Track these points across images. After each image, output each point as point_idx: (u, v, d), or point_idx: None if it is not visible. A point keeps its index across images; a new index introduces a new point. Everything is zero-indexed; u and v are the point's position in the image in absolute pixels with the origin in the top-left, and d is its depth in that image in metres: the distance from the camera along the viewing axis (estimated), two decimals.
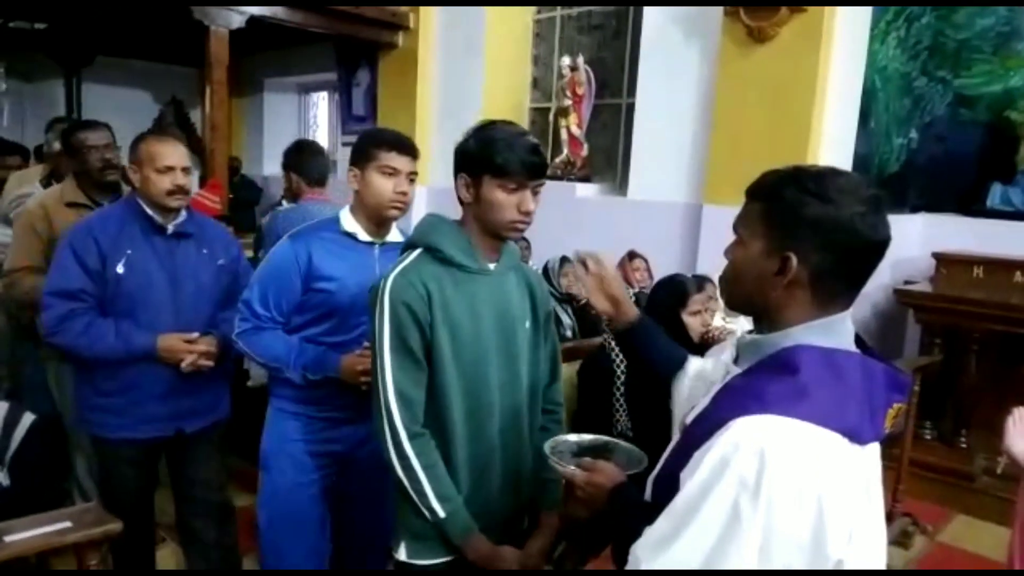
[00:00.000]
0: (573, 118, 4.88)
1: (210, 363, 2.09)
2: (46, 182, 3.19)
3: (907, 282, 3.92)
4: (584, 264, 1.55)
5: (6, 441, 1.86)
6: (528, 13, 5.54)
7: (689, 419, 1.10)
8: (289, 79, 7.89)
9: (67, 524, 1.39)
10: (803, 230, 0.97)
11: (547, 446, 1.37)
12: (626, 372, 2.32)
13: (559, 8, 5.39)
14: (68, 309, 2.03)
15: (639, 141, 4.54)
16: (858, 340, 1.04)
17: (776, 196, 1.00)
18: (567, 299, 3.77)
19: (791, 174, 1.01)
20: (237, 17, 4.62)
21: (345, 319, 1.89)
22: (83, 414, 2.18)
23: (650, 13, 4.39)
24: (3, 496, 1.85)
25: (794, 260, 0.97)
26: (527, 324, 1.60)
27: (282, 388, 1.94)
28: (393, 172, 1.85)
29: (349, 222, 1.91)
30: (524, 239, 4.01)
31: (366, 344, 1.79)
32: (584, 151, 4.92)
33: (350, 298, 1.86)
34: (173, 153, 2.09)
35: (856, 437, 0.94)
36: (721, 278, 1.11)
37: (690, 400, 1.35)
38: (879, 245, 0.98)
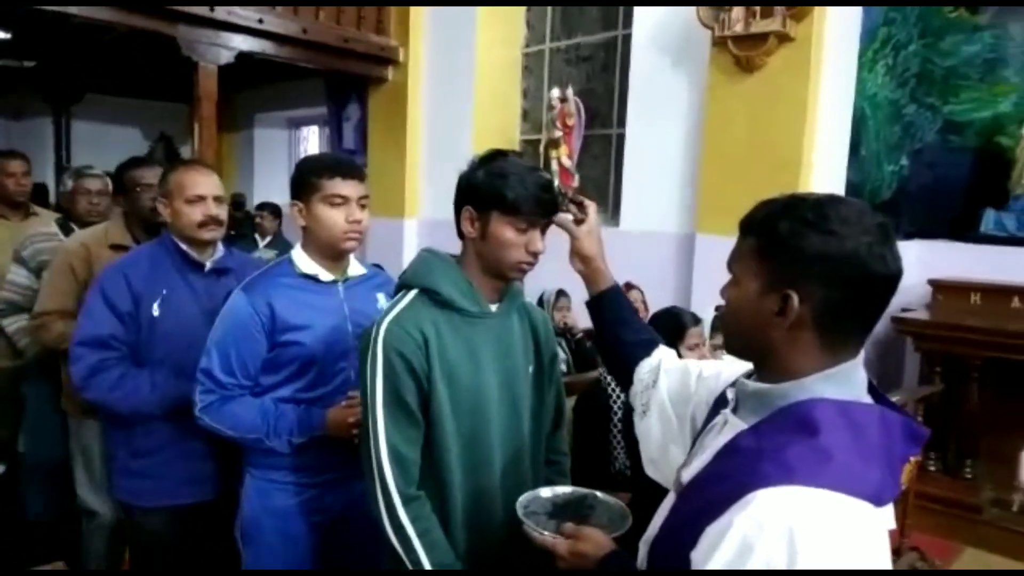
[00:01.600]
0: (564, 149, 4.87)
1: None
2: (63, 223, 3.09)
3: (904, 309, 3.88)
4: (580, 205, 1.39)
5: None
6: (517, 47, 5.57)
7: (686, 476, 0.99)
8: (279, 114, 7.90)
9: None
10: (803, 265, 0.87)
11: (520, 507, 1.23)
12: (623, 408, 2.26)
13: (547, 41, 5.42)
14: (98, 359, 1.84)
15: (630, 172, 4.53)
16: (870, 387, 0.95)
17: (770, 230, 0.91)
18: (562, 332, 3.71)
19: (786, 204, 0.92)
20: (226, 53, 4.62)
21: (323, 370, 1.71)
22: (116, 480, 1.97)
23: (639, 44, 4.41)
24: None
25: (795, 299, 0.87)
26: (530, 369, 1.50)
27: (261, 457, 1.71)
28: (342, 201, 1.66)
29: (305, 263, 1.73)
30: None
31: (351, 394, 1.65)
32: (575, 182, 4.90)
33: (324, 346, 1.69)
34: (203, 181, 1.94)
35: (879, 501, 0.85)
36: (721, 322, 1.03)
37: (673, 403, 1.24)
38: (890, 279, 0.88)
